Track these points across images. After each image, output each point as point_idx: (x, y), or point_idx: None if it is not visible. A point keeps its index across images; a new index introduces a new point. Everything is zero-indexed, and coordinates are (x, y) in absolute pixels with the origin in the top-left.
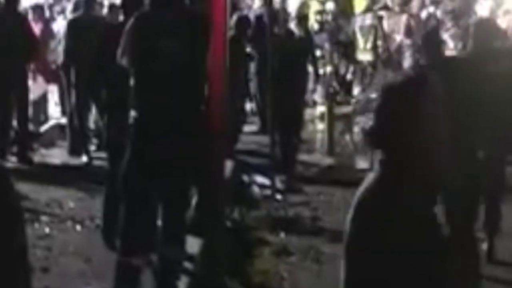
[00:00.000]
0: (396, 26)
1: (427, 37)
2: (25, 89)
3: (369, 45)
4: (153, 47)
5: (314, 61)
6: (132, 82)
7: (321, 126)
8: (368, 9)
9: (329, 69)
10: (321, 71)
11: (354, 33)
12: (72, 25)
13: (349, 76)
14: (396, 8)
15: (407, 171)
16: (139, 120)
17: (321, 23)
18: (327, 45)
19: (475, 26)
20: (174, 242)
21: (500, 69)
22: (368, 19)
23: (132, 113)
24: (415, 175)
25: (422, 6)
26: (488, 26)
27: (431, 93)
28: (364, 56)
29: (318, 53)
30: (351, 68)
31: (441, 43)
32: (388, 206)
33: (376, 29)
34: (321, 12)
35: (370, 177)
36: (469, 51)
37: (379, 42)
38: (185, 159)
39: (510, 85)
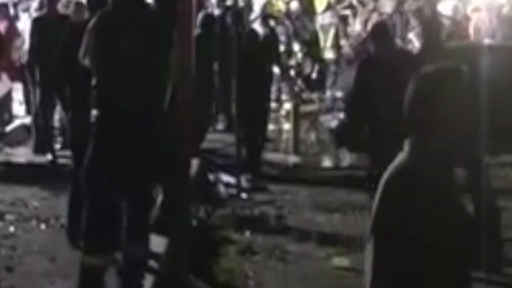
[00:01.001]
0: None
1: (376, 31)
2: None
3: (329, 43)
4: (114, 46)
5: (279, 59)
6: (94, 81)
7: (286, 124)
8: (328, 8)
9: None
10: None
11: (315, 32)
12: (37, 23)
13: (314, 75)
14: (362, 7)
15: (438, 152)
16: (101, 117)
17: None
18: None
19: (423, 26)
20: (138, 241)
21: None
22: (328, 18)
23: (94, 112)
24: (444, 156)
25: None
26: (434, 25)
27: (464, 82)
28: (328, 54)
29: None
30: (316, 67)
31: (391, 37)
32: (419, 185)
33: (337, 28)
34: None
35: (400, 158)
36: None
37: (342, 41)
38: (147, 156)
39: None
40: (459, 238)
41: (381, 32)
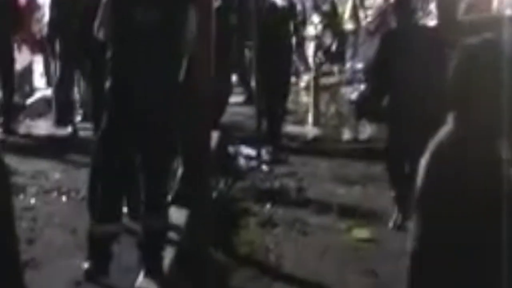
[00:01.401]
0: None
1: (398, 3)
2: (12, 61)
3: (347, 15)
4: (129, 18)
5: (298, 32)
6: (108, 53)
7: (306, 97)
8: None
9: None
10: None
11: (334, 3)
12: None
13: (334, 47)
14: None
15: (481, 125)
16: (114, 89)
17: None
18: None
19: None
20: (156, 213)
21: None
22: None
23: (107, 83)
24: (488, 128)
25: None
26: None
27: (504, 57)
28: (347, 25)
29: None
30: (335, 38)
31: (413, 11)
32: (464, 158)
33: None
34: None
35: (444, 132)
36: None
37: (360, 12)
38: (161, 127)
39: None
40: (503, 209)
41: (404, 5)
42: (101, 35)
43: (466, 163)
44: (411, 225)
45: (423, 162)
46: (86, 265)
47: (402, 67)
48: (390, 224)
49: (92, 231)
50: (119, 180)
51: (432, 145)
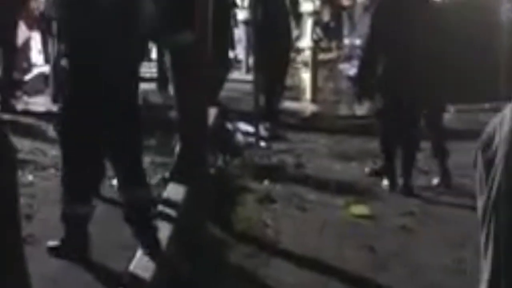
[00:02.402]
0: None
1: None
2: (14, 38)
3: None
4: None
5: (296, 8)
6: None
7: (305, 73)
8: None
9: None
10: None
11: None
12: None
13: (331, 23)
14: None
15: None
16: (73, 68)
17: None
18: None
19: None
20: (136, 185)
21: None
22: None
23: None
24: None
25: None
26: None
27: None
28: (344, 1)
29: None
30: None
31: None
32: None
33: None
34: None
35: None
36: None
37: None
38: (125, 103)
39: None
40: None
41: None
42: (52, 12)
43: None
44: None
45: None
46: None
47: (393, 36)
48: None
49: (64, 211)
50: (84, 160)
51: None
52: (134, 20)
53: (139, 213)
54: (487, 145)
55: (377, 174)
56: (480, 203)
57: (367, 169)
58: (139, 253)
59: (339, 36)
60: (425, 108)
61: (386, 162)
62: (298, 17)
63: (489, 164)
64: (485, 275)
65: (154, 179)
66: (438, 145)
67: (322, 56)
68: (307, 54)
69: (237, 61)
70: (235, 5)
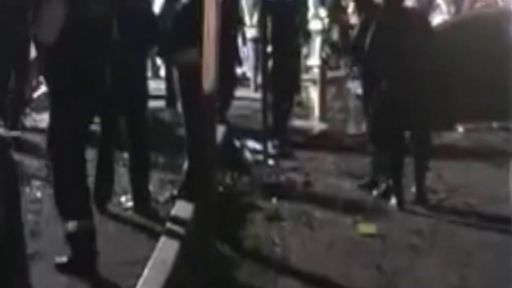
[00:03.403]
0: None
1: None
2: (27, 56)
3: (350, 9)
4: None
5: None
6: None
7: (313, 91)
8: None
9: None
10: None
11: None
12: None
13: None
14: None
15: None
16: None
17: None
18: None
19: None
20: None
21: None
22: None
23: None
24: None
25: None
26: None
27: None
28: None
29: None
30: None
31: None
32: None
33: None
34: None
35: None
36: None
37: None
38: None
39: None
40: None
41: None
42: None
43: None
44: None
45: None
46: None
47: (391, 50)
48: (374, 193)
49: (65, 228)
50: (76, 176)
51: None
52: (142, 39)
53: None
54: None
55: (369, 187)
56: None
57: (359, 182)
58: (147, 269)
59: (347, 55)
60: (415, 125)
61: (394, 179)
62: (307, 35)
63: None
64: None
65: (162, 196)
66: (421, 163)
67: (330, 74)
68: (315, 72)
69: (246, 78)
70: (241, 22)
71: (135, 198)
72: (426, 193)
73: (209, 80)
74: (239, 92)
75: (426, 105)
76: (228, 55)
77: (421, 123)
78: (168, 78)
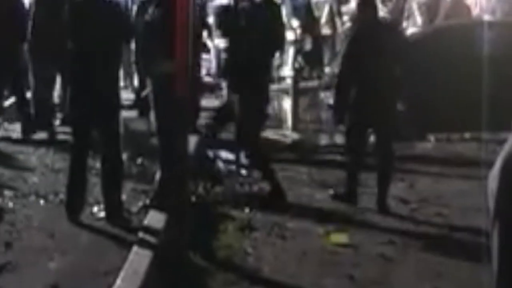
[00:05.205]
0: None
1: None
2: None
3: (323, 20)
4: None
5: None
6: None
7: (286, 101)
8: None
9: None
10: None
11: (311, 8)
12: (39, 1)
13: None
14: None
15: None
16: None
17: None
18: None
19: None
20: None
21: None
22: None
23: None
24: None
25: None
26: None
27: None
28: (324, 30)
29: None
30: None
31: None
32: None
33: (331, 5)
34: None
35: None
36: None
37: (336, 19)
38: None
39: None
40: None
41: (366, 5)
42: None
43: None
44: (493, 238)
45: (495, 175)
46: None
47: (363, 63)
48: (330, 192)
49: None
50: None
51: (501, 158)
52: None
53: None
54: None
55: (341, 198)
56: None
57: (330, 192)
58: (120, 280)
59: (320, 65)
60: (379, 132)
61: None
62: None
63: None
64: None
65: (135, 206)
66: (383, 171)
67: (303, 85)
68: (288, 82)
69: (219, 88)
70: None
71: (107, 208)
72: (386, 202)
73: (181, 90)
74: (213, 102)
75: (390, 110)
76: (198, 65)
77: (383, 124)
78: (141, 88)
